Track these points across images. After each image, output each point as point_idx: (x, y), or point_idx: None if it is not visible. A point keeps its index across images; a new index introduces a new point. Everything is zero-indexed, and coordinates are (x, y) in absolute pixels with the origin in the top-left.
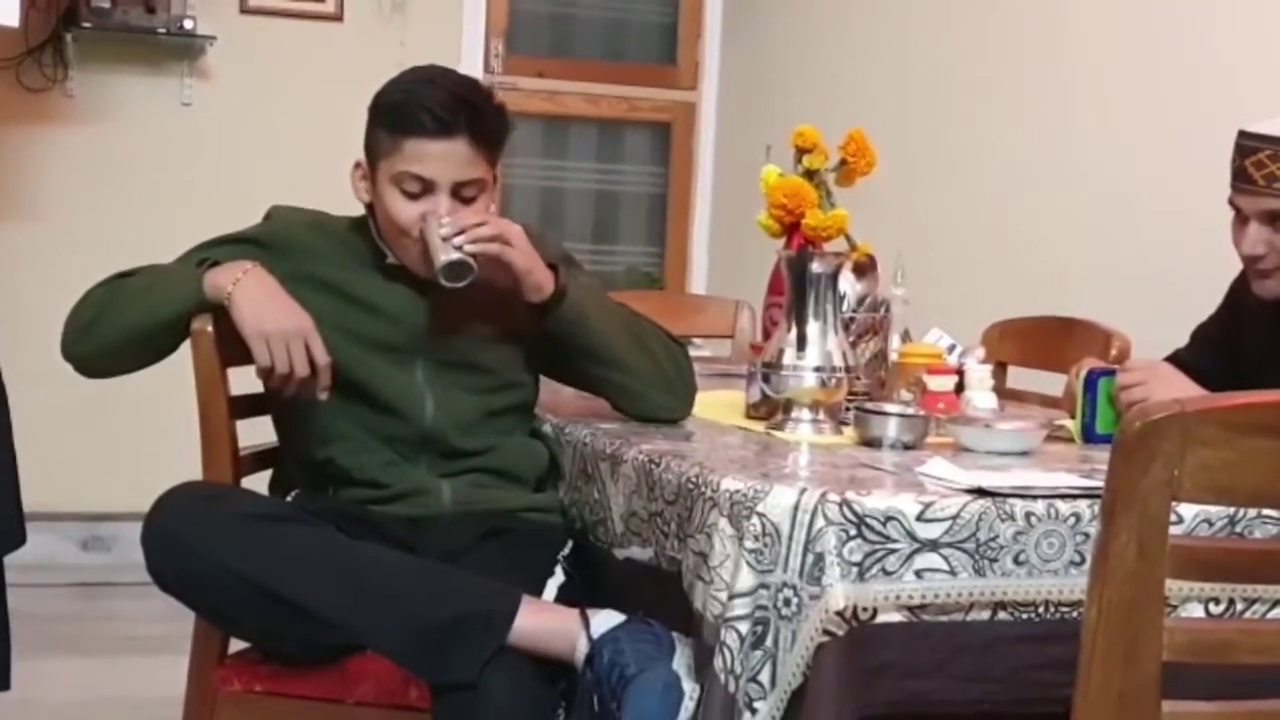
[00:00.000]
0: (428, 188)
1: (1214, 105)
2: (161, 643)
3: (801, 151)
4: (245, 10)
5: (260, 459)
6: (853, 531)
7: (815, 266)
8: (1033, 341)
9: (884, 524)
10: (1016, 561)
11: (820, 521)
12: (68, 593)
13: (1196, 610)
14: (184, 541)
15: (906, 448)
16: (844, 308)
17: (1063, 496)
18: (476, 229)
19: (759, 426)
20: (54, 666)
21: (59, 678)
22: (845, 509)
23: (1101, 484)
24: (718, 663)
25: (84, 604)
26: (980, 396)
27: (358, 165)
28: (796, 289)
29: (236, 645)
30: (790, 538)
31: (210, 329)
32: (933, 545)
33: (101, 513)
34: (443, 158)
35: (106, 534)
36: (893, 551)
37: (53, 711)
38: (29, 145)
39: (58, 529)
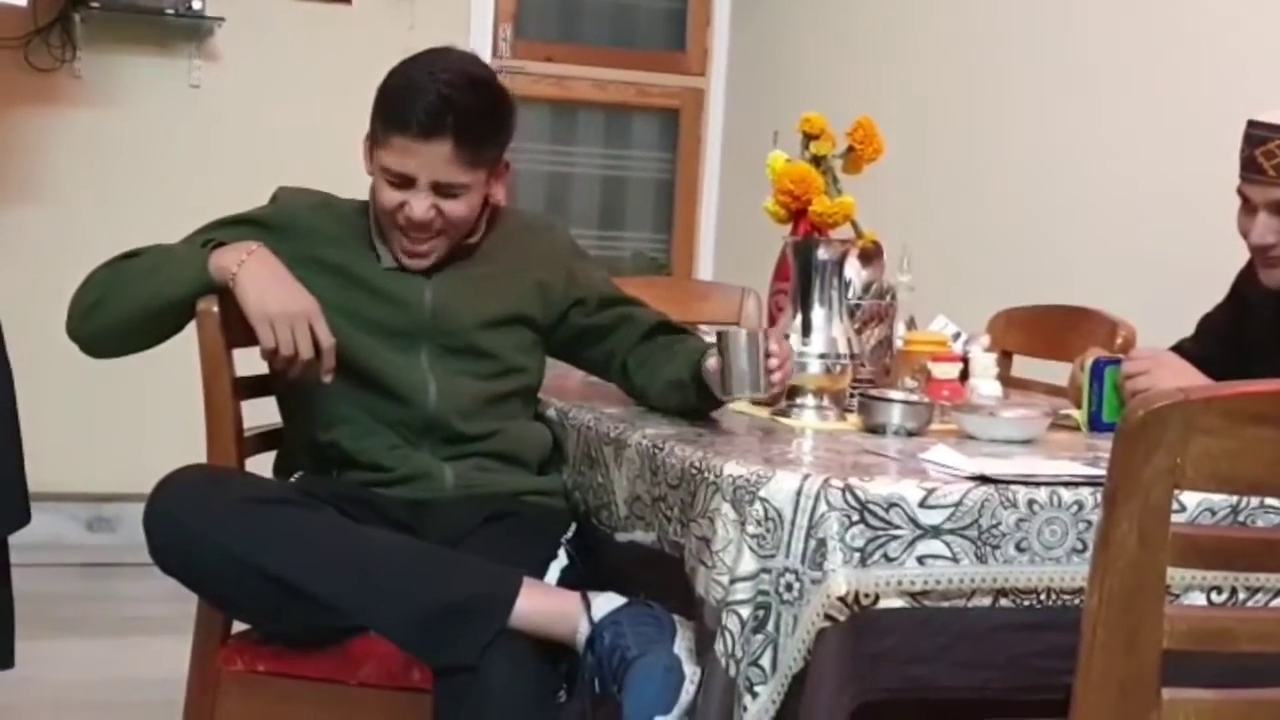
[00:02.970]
0: (408, 182)
1: (1223, 95)
2: (165, 623)
3: (809, 138)
4: None
5: (264, 440)
6: (855, 517)
7: (821, 253)
8: (1038, 330)
9: (887, 510)
10: (1018, 549)
11: (823, 507)
12: (72, 573)
13: (1198, 599)
14: (185, 525)
15: (910, 434)
16: (849, 294)
17: (1065, 484)
18: (788, 365)
19: (763, 412)
20: (58, 646)
21: (63, 657)
22: (848, 495)
23: (1104, 472)
24: (719, 647)
25: (88, 584)
26: (985, 384)
27: (366, 139)
28: (802, 275)
29: (239, 626)
30: (793, 523)
31: (215, 310)
32: (935, 532)
33: (107, 493)
34: (424, 157)
35: (111, 514)
36: (895, 538)
37: (56, 691)
38: (36, 126)
39: (63, 509)
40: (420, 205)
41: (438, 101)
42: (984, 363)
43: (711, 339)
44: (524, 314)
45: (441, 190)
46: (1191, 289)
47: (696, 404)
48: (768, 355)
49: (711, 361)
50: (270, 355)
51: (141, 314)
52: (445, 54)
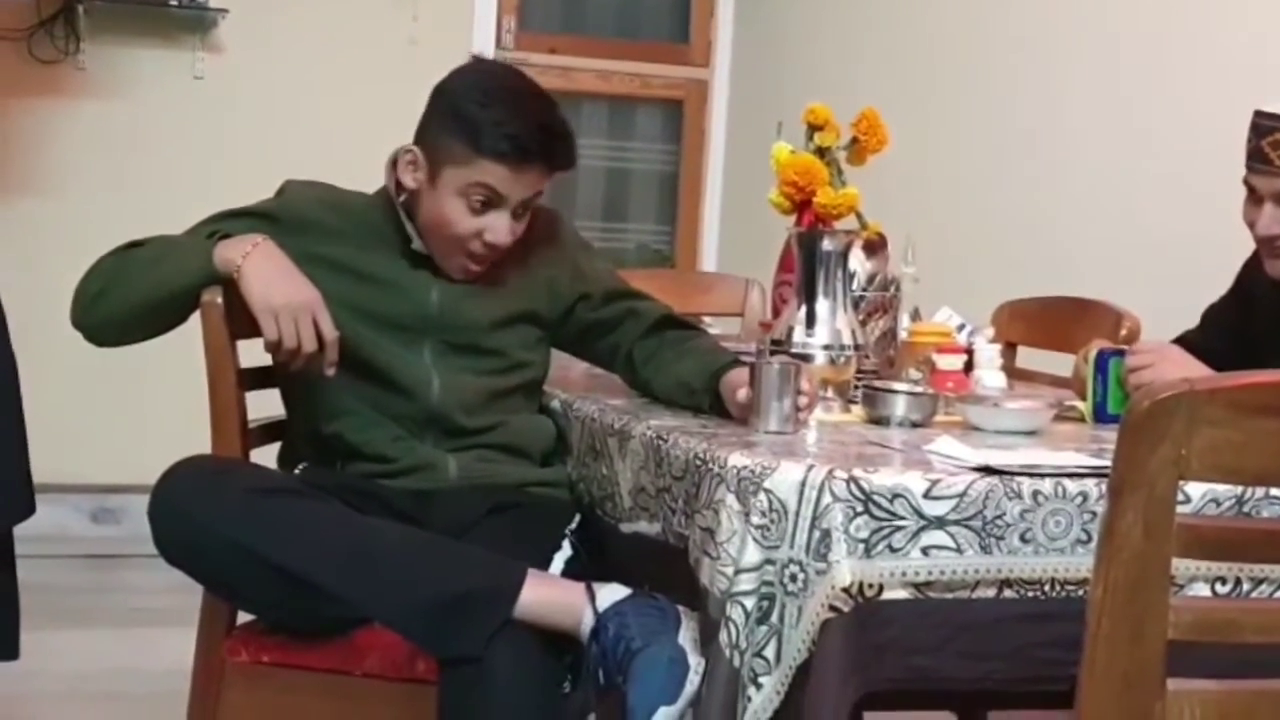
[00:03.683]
0: (495, 204)
1: (1229, 85)
2: (170, 614)
3: (813, 129)
4: None
5: (269, 432)
6: (860, 508)
7: (826, 244)
8: (1042, 322)
9: (891, 501)
10: (1023, 540)
11: (827, 498)
12: (77, 564)
13: (1203, 590)
14: (190, 516)
15: (915, 426)
16: (854, 286)
17: (1070, 475)
18: (815, 403)
19: None
20: (63, 637)
21: (68, 648)
22: (852, 486)
23: (1109, 463)
24: (723, 637)
25: (93, 575)
26: (989, 376)
27: (408, 152)
28: (807, 267)
29: (244, 617)
30: (797, 514)
31: (220, 301)
32: (939, 523)
33: (111, 485)
34: (516, 183)
35: (116, 506)
36: (899, 529)
37: (61, 682)
38: (40, 118)
39: (68, 501)
40: (504, 228)
41: (534, 130)
42: (988, 354)
43: (716, 331)
44: (530, 311)
45: (519, 209)
46: (1197, 280)
47: (705, 410)
48: (798, 392)
49: (742, 393)
50: (274, 348)
51: (145, 304)
52: (508, 76)
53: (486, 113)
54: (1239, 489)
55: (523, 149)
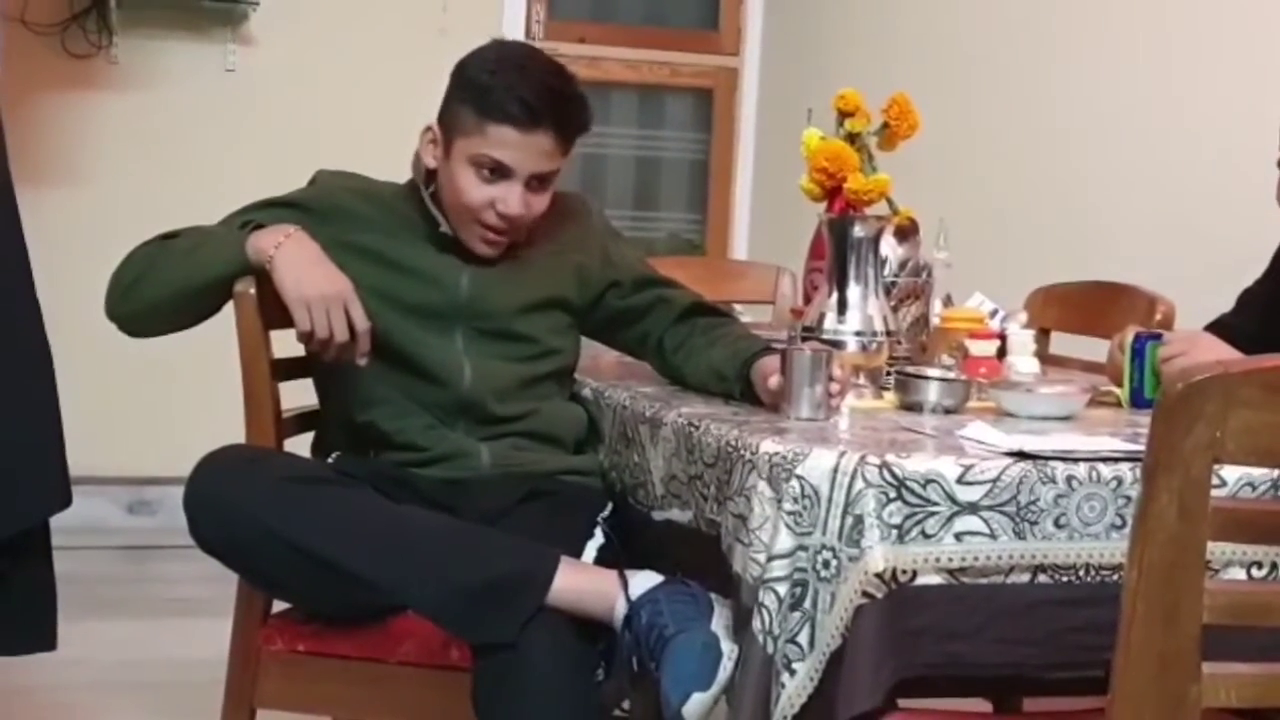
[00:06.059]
0: (505, 174)
1: (1263, 66)
2: (206, 604)
3: (844, 115)
4: None
5: (302, 421)
6: (892, 494)
7: (857, 230)
8: (1076, 307)
9: (924, 486)
10: (1057, 524)
11: (860, 484)
12: (114, 555)
13: (1239, 574)
14: (225, 505)
15: (947, 412)
16: (886, 272)
17: (1104, 460)
18: (846, 390)
19: None
20: (100, 628)
21: (105, 639)
22: (885, 471)
23: (1144, 448)
24: (756, 624)
25: (130, 566)
26: (1022, 361)
27: (428, 129)
28: (838, 253)
29: (280, 606)
30: (829, 500)
31: (253, 292)
32: (973, 508)
33: (147, 476)
34: (526, 149)
35: (152, 497)
36: (932, 514)
37: (99, 672)
38: (73, 111)
39: (104, 492)
40: (517, 199)
41: (541, 91)
42: (1021, 339)
43: (748, 319)
44: (560, 297)
45: (533, 182)
46: (1231, 264)
47: (736, 397)
48: (830, 379)
49: (774, 380)
50: (306, 338)
51: (179, 294)
52: (522, 48)
53: (495, 79)
54: (1275, 472)
55: (530, 110)
